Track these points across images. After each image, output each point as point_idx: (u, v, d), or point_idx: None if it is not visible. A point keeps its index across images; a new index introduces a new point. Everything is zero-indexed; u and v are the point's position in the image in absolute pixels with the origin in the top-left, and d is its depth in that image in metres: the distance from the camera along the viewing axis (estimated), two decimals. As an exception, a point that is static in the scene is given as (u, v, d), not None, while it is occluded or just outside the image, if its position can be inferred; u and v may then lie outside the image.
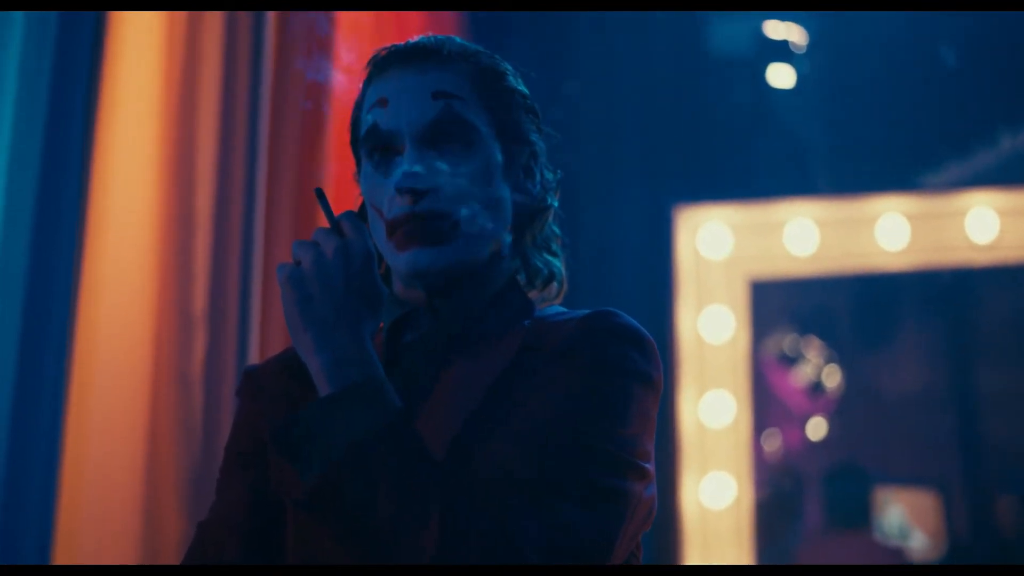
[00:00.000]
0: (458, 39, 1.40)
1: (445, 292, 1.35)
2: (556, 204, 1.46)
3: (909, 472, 4.69)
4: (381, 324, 1.37)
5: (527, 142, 1.41)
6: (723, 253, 4.67)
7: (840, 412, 4.70)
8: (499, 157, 1.37)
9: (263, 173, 2.70)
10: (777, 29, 4.46)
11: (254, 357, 2.65)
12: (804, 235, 4.60)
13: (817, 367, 4.67)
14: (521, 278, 1.45)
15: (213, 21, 2.68)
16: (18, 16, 2.39)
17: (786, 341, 4.72)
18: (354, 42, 2.94)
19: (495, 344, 1.32)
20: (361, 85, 1.41)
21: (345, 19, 3.00)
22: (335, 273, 1.19)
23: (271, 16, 2.79)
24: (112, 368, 2.47)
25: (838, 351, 4.70)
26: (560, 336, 1.29)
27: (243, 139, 2.67)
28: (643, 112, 4.53)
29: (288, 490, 1.24)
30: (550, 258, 1.46)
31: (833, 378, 4.65)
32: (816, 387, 4.67)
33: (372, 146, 1.35)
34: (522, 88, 1.43)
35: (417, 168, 1.30)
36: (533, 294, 1.45)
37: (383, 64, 1.38)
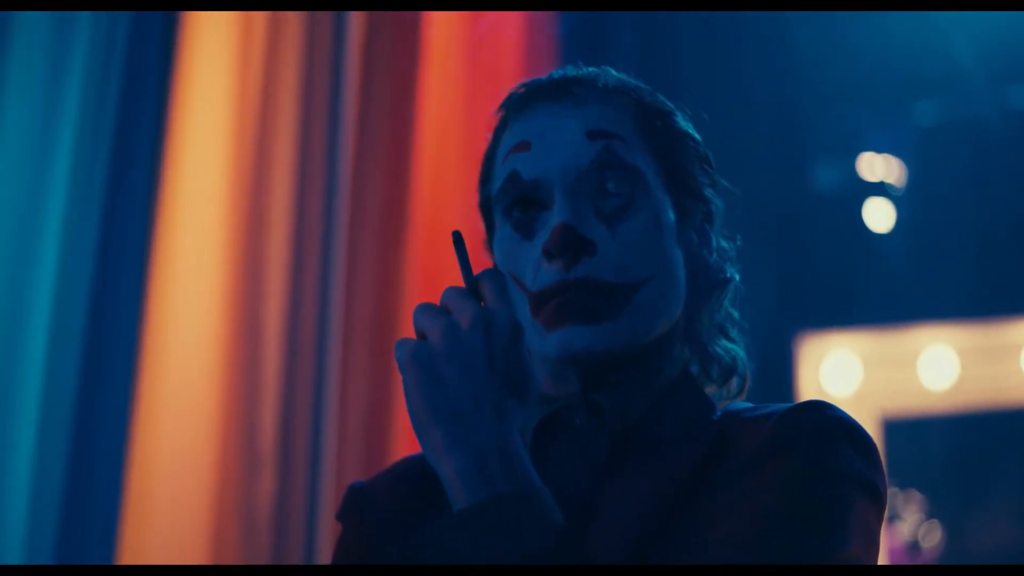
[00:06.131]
0: (613, 70, 1.20)
1: (606, 383, 1.13)
2: (737, 277, 1.24)
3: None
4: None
5: (701, 198, 1.21)
6: (851, 387, 4.45)
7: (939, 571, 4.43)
8: (671, 214, 1.16)
9: (340, 284, 2.61)
10: (873, 169, 4.36)
11: (328, 498, 2.56)
12: (942, 365, 4.38)
13: (914, 525, 4.41)
14: (694, 369, 1.22)
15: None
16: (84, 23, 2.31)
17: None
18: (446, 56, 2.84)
19: (673, 449, 1.11)
20: (492, 133, 1.21)
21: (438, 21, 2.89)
22: (474, 349, 0.96)
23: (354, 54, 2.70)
24: (170, 510, 2.41)
25: (938, 504, 4.43)
26: (757, 437, 1.08)
27: (319, 224, 2.60)
28: (758, 232, 4.37)
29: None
30: (729, 345, 1.24)
31: (932, 537, 4.38)
32: (913, 546, 4.45)
33: (511, 201, 1.15)
34: (693, 132, 1.22)
35: (571, 223, 1.09)
36: (710, 389, 1.22)
37: (522, 102, 1.18)
